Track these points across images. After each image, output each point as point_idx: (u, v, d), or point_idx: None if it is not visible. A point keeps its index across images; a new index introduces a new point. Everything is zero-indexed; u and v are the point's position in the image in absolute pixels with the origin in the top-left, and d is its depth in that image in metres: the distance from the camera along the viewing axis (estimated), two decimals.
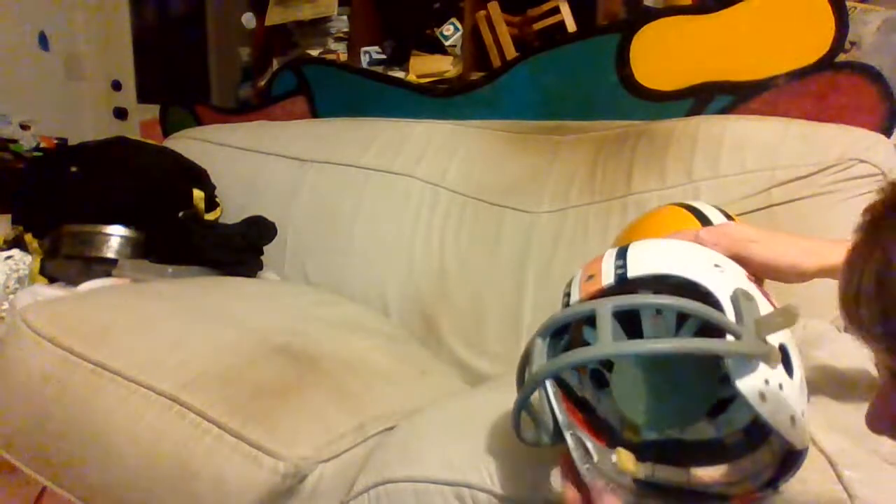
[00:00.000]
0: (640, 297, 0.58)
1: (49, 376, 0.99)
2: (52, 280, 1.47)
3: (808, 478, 0.53)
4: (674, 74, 1.31)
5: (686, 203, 0.75)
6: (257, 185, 1.73)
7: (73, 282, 1.41)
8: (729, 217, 0.72)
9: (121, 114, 3.21)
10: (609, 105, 1.38)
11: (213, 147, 1.86)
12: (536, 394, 0.59)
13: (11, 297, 1.40)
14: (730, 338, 0.49)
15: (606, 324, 0.49)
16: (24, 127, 2.74)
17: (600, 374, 0.63)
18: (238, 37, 2.54)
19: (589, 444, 0.58)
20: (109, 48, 3.16)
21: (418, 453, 0.77)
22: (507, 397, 0.76)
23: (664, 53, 1.32)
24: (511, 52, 1.66)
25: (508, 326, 1.24)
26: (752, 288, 0.53)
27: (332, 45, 2.07)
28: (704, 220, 0.70)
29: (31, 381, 1.01)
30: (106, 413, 0.92)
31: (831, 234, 0.37)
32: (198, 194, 1.62)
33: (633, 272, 0.54)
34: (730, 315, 0.50)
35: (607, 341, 0.49)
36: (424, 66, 1.86)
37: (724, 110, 1.25)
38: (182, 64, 3.21)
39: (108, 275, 1.42)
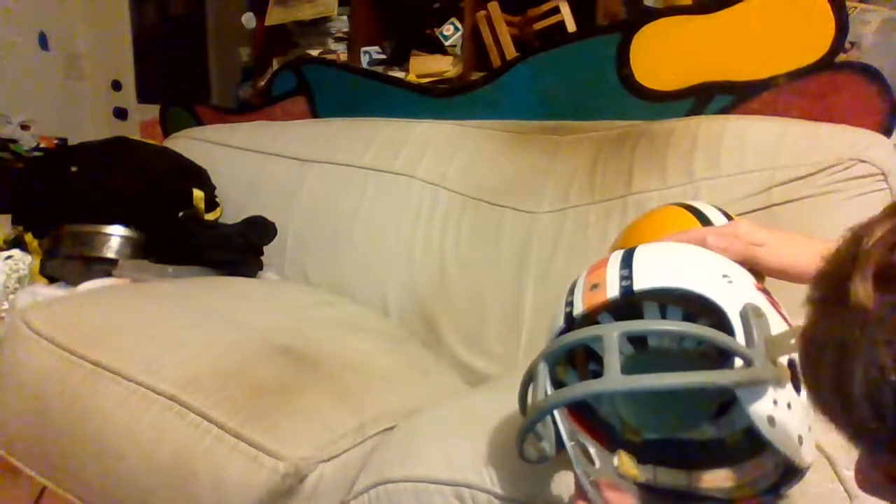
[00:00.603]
0: (650, 322, 0.57)
1: (49, 376, 0.99)
2: (52, 280, 1.47)
3: (808, 478, 0.53)
4: (674, 74, 1.31)
5: (686, 203, 0.75)
6: (257, 185, 1.73)
7: (73, 282, 1.41)
8: (729, 217, 0.72)
9: (121, 114, 3.21)
10: (609, 105, 1.38)
11: (213, 147, 1.86)
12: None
13: (11, 297, 1.40)
14: (738, 362, 0.48)
15: (614, 354, 0.48)
16: (24, 127, 2.74)
17: (601, 375, 0.62)
18: (238, 37, 2.54)
19: (591, 449, 0.58)
20: (109, 48, 3.16)
21: (418, 453, 0.77)
22: (507, 397, 0.76)
23: (664, 53, 1.32)
24: (511, 52, 1.66)
25: (508, 326, 1.24)
26: (760, 299, 0.52)
27: (332, 45, 2.07)
28: (704, 220, 0.70)
29: (31, 381, 1.01)
30: (106, 413, 0.92)
31: (831, 235, 0.36)
32: (198, 194, 1.62)
33: (639, 285, 0.52)
34: (739, 333, 0.49)
35: (616, 376, 0.47)
36: (424, 66, 1.86)
37: (724, 110, 1.25)
38: (182, 64, 3.21)
39: (108, 275, 1.42)
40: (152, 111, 2.47)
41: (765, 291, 0.55)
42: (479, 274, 1.32)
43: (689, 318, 0.56)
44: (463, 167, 1.45)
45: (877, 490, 0.35)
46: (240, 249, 1.55)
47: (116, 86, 3.19)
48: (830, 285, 0.32)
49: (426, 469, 0.73)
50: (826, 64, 1.15)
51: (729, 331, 0.49)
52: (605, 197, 1.23)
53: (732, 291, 0.52)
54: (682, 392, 0.59)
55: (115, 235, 1.49)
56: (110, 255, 1.47)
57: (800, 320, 0.36)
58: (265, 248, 1.60)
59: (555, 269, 1.23)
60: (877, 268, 0.30)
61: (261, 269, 1.60)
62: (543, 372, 0.54)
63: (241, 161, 1.79)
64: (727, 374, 0.48)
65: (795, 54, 1.18)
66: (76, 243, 1.48)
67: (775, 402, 0.47)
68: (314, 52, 2.07)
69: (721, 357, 0.59)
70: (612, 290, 0.53)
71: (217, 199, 1.73)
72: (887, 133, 1.09)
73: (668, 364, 0.49)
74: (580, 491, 0.55)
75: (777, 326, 0.50)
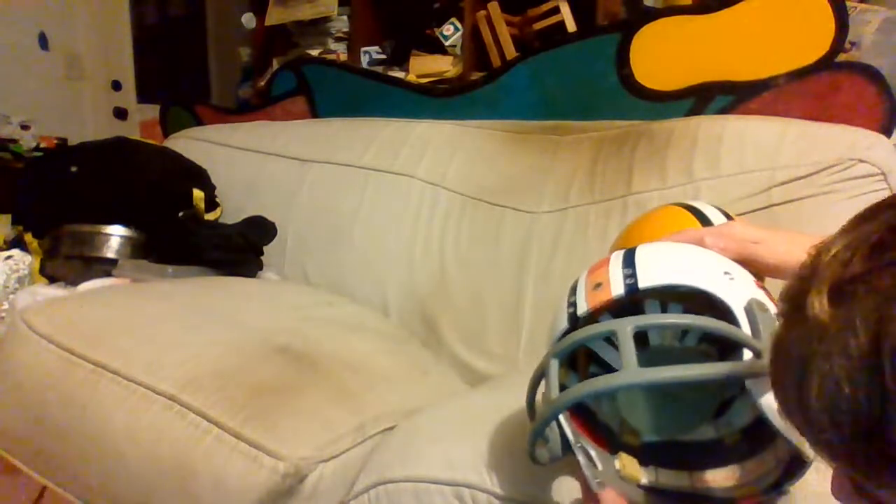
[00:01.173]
0: (664, 316, 0.57)
1: (49, 376, 0.99)
2: (52, 280, 1.47)
3: (808, 477, 0.53)
4: (674, 74, 1.31)
5: (686, 203, 0.75)
6: (257, 185, 1.73)
7: (73, 282, 1.41)
8: (729, 217, 0.72)
9: (121, 114, 3.21)
10: (609, 105, 1.38)
11: (213, 147, 1.86)
12: (536, 404, 0.59)
13: (11, 297, 1.40)
14: (748, 354, 0.48)
15: (630, 348, 0.48)
16: (24, 127, 2.74)
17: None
18: (238, 37, 2.54)
19: (592, 452, 0.58)
20: (109, 48, 3.16)
21: (418, 453, 0.77)
22: (507, 397, 0.77)
23: (664, 53, 1.32)
24: (511, 52, 1.66)
25: (508, 326, 1.24)
26: (762, 295, 0.53)
27: (332, 45, 2.07)
28: (704, 220, 0.70)
29: (31, 381, 1.01)
30: (106, 413, 0.92)
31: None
32: (198, 194, 1.62)
33: (643, 283, 0.52)
34: (744, 327, 0.49)
35: (635, 369, 0.47)
36: (424, 66, 1.86)
37: (724, 110, 1.25)
38: (182, 64, 3.21)
39: (108, 275, 1.42)
40: (152, 111, 2.47)
41: (764, 289, 0.55)
42: (479, 274, 1.32)
43: (691, 314, 0.57)
44: (463, 167, 1.45)
45: (849, 499, 0.36)
46: (240, 249, 1.55)
47: (116, 86, 3.19)
48: (791, 299, 0.33)
49: (426, 469, 0.73)
50: (826, 64, 1.15)
51: (735, 326, 0.50)
52: (605, 197, 1.23)
53: (735, 288, 0.52)
54: (685, 391, 0.59)
55: (115, 235, 1.49)
56: (110, 255, 1.47)
57: None
58: (265, 248, 1.60)
59: (555, 269, 1.23)
60: (831, 283, 0.31)
61: (261, 269, 1.60)
62: (555, 370, 0.54)
63: (241, 161, 1.79)
64: (741, 365, 0.49)
65: (795, 54, 1.18)
66: (76, 243, 1.48)
67: None
68: (314, 52, 2.07)
69: (721, 354, 0.59)
70: (617, 289, 0.53)
71: (217, 199, 1.73)
72: (887, 133, 1.09)
73: (670, 361, 0.50)
74: (588, 493, 0.55)
75: None
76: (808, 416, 0.31)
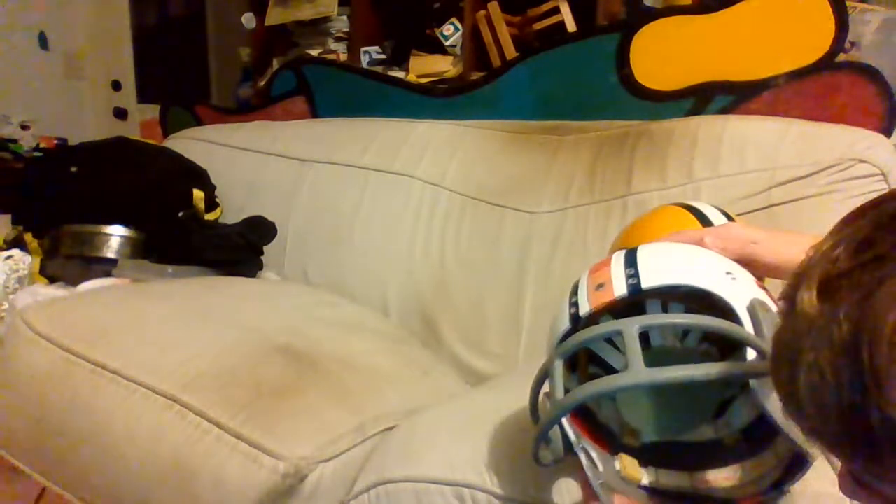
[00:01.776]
0: (669, 316, 0.57)
1: (49, 376, 0.99)
2: (52, 280, 1.47)
3: (808, 477, 0.53)
4: (674, 74, 1.31)
5: (686, 203, 0.75)
6: (257, 185, 1.73)
7: (73, 282, 1.41)
8: (729, 217, 0.72)
9: (121, 114, 3.21)
10: (609, 105, 1.38)
11: (214, 147, 1.86)
12: (539, 404, 0.58)
13: (11, 297, 1.40)
14: (751, 353, 0.48)
15: (636, 348, 0.48)
16: (24, 127, 2.74)
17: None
18: (238, 37, 2.54)
19: (593, 454, 0.58)
20: (109, 48, 3.16)
21: (418, 453, 0.77)
22: (507, 397, 0.77)
23: (664, 53, 1.32)
24: (511, 52, 1.66)
25: (508, 326, 1.24)
26: (763, 295, 0.53)
27: (332, 45, 2.07)
28: (704, 220, 0.70)
29: (31, 381, 1.01)
30: (106, 413, 0.92)
31: None
32: (198, 194, 1.62)
33: (646, 283, 0.52)
34: (748, 327, 0.49)
35: (641, 369, 0.47)
36: (424, 66, 1.86)
37: (724, 110, 1.25)
38: (182, 64, 3.21)
39: (108, 275, 1.41)
40: (152, 111, 2.47)
41: (764, 288, 0.55)
42: (479, 274, 1.32)
43: (694, 314, 0.57)
44: (463, 167, 1.45)
45: (854, 494, 0.36)
46: (240, 249, 1.55)
47: (116, 86, 3.19)
48: (786, 295, 0.35)
49: (426, 469, 0.73)
50: (826, 64, 1.15)
51: (738, 325, 0.50)
52: (605, 197, 1.23)
53: (737, 287, 0.52)
54: (685, 390, 0.59)
55: (115, 235, 1.49)
56: (110, 255, 1.47)
57: None
58: (265, 248, 1.60)
59: (555, 269, 1.23)
60: (819, 279, 0.32)
61: (261, 269, 1.60)
62: (560, 370, 0.53)
63: (241, 161, 1.79)
64: (745, 365, 0.49)
65: (795, 54, 1.18)
66: (76, 243, 1.48)
67: None
68: (314, 52, 2.07)
69: (722, 354, 0.59)
70: (620, 289, 0.53)
71: (217, 199, 1.73)
72: (887, 133, 1.09)
73: (672, 362, 0.50)
74: (589, 493, 0.55)
75: None
76: (800, 407, 0.33)
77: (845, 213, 0.35)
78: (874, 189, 1.02)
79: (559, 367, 0.53)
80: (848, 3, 1.16)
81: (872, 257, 0.31)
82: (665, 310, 0.59)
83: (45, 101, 2.95)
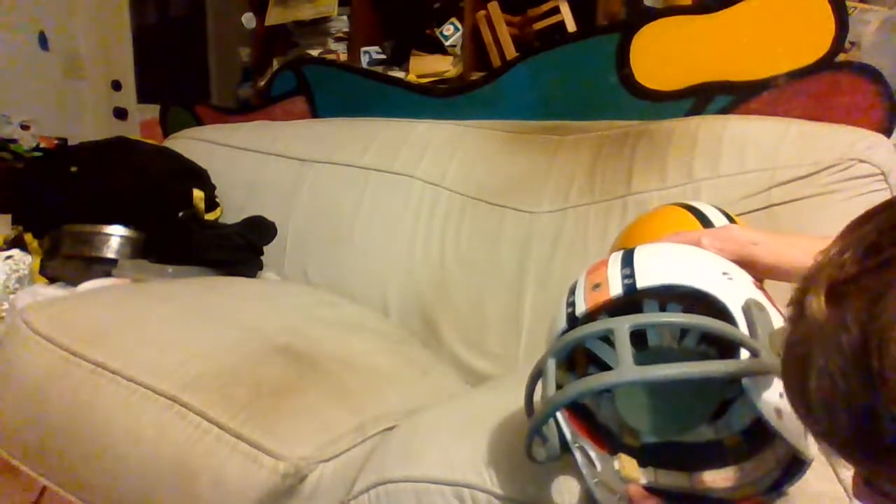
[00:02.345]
0: (660, 315, 0.57)
1: (49, 376, 0.99)
2: (52, 280, 1.47)
3: (807, 477, 0.53)
4: (674, 74, 1.31)
5: (686, 203, 0.75)
6: (257, 185, 1.73)
7: (73, 282, 1.41)
8: (729, 217, 0.72)
9: (121, 114, 3.21)
10: (609, 105, 1.38)
11: (213, 147, 1.86)
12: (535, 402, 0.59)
13: (11, 297, 1.40)
14: (745, 353, 0.48)
15: (626, 346, 0.48)
16: (24, 127, 2.74)
17: None
18: (238, 37, 2.54)
19: (591, 453, 0.58)
20: (109, 48, 3.16)
21: (418, 453, 0.77)
22: (507, 398, 0.77)
23: (664, 53, 1.32)
24: (511, 52, 1.66)
25: (508, 326, 1.24)
26: (760, 296, 0.53)
27: (332, 45, 2.07)
28: (705, 221, 0.70)
29: (31, 380, 1.01)
30: (106, 413, 0.92)
31: (831, 234, 0.37)
32: (198, 194, 1.62)
33: (641, 282, 0.53)
34: (742, 327, 0.49)
35: (630, 367, 0.47)
36: (424, 66, 1.86)
37: (724, 110, 1.25)
38: (182, 64, 3.21)
39: (108, 275, 1.41)
40: (152, 111, 2.47)
41: (763, 290, 0.55)
42: (479, 274, 1.32)
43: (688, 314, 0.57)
44: (463, 167, 1.45)
45: (866, 498, 0.37)
46: (240, 249, 1.55)
47: (116, 86, 3.19)
48: (795, 301, 0.35)
49: (426, 469, 0.73)
50: (826, 64, 1.15)
51: (732, 325, 0.50)
52: (605, 197, 1.23)
53: (733, 288, 0.52)
54: (684, 390, 0.59)
55: (115, 235, 1.48)
56: (110, 255, 1.47)
57: None
58: (265, 248, 1.60)
59: (555, 269, 1.23)
60: (828, 285, 0.32)
61: (261, 269, 1.60)
62: (552, 368, 0.54)
63: (241, 161, 1.79)
64: (737, 364, 0.49)
65: (795, 54, 1.18)
66: (76, 243, 1.48)
67: (781, 395, 0.48)
68: (314, 52, 2.07)
69: (721, 356, 0.59)
70: (615, 289, 0.53)
71: (217, 199, 1.73)
72: (887, 133, 1.09)
73: (668, 362, 0.50)
74: (591, 494, 0.56)
75: (777, 321, 0.51)
76: (811, 413, 0.33)
77: (846, 214, 0.35)
78: (874, 189, 1.02)
79: (552, 365, 0.54)
80: (848, 3, 1.16)
81: (879, 262, 0.31)
82: (663, 310, 0.59)
83: (45, 101, 2.94)
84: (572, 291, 0.57)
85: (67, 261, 1.47)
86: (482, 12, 1.70)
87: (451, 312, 1.32)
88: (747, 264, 0.58)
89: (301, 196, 1.64)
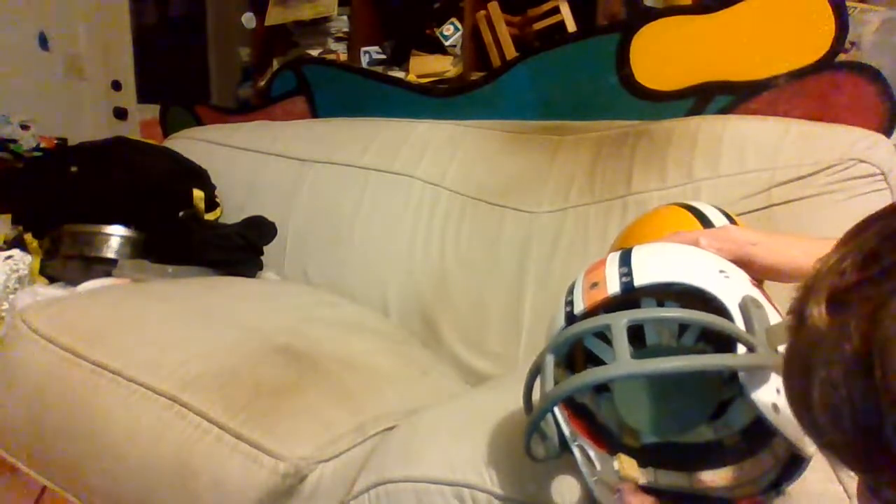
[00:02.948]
0: (657, 310, 0.57)
1: (49, 376, 0.99)
2: (52, 280, 1.47)
3: (807, 477, 0.53)
4: (674, 74, 1.31)
5: (686, 203, 0.75)
6: (257, 185, 1.73)
7: (73, 282, 1.41)
8: (729, 217, 0.72)
9: (121, 114, 3.21)
10: (609, 105, 1.38)
11: (213, 147, 1.86)
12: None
13: (11, 297, 1.40)
14: (742, 349, 0.49)
15: (623, 340, 0.48)
16: (24, 127, 2.74)
17: None
18: (238, 37, 2.54)
19: (591, 453, 0.58)
20: (109, 48, 3.16)
21: (418, 453, 0.77)
22: (507, 398, 0.77)
23: (664, 53, 1.32)
24: (511, 52, 1.66)
25: (508, 326, 1.24)
26: (757, 294, 0.53)
27: (332, 45, 2.07)
28: (705, 221, 0.70)
29: (31, 380, 1.01)
30: (106, 413, 0.92)
31: (831, 234, 0.37)
32: (198, 194, 1.62)
33: (639, 280, 0.53)
34: (739, 323, 0.50)
35: (627, 360, 0.47)
36: (424, 66, 1.86)
37: (724, 110, 1.25)
38: (182, 64, 3.21)
39: (108, 275, 1.41)
40: (152, 111, 2.47)
41: (758, 285, 0.56)
42: (479, 274, 1.32)
43: (681, 309, 0.57)
44: (463, 167, 1.45)
45: None
46: (240, 249, 1.55)
47: (116, 86, 3.19)
48: (795, 309, 0.35)
49: (426, 469, 0.73)
50: (826, 64, 1.15)
51: (729, 321, 0.50)
52: (605, 197, 1.23)
53: (730, 285, 0.52)
54: (683, 389, 0.59)
55: (115, 235, 1.49)
56: (110, 255, 1.47)
57: None
58: (265, 248, 1.60)
59: (555, 269, 1.23)
60: (828, 293, 0.32)
61: (261, 269, 1.60)
62: (550, 364, 0.54)
63: (241, 161, 1.79)
64: (733, 358, 0.49)
65: (795, 54, 1.18)
66: (76, 243, 1.48)
67: (778, 391, 0.48)
68: (314, 52, 2.07)
69: (720, 352, 0.59)
70: (613, 287, 0.53)
71: (217, 199, 1.73)
72: (887, 133, 1.09)
73: None
74: (590, 494, 0.56)
75: (774, 318, 0.51)
76: (814, 422, 0.33)
77: (846, 214, 0.35)
78: (874, 189, 1.02)
79: (550, 361, 0.54)
80: (848, 3, 1.16)
81: (880, 270, 0.31)
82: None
83: (45, 101, 2.94)
84: (571, 291, 0.57)
85: (67, 261, 1.47)
86: (482, 12, 1.70)
87: (451, 312, 1.32)
88: (745, 264, 0.58)
89: (301, 196, 1.64)
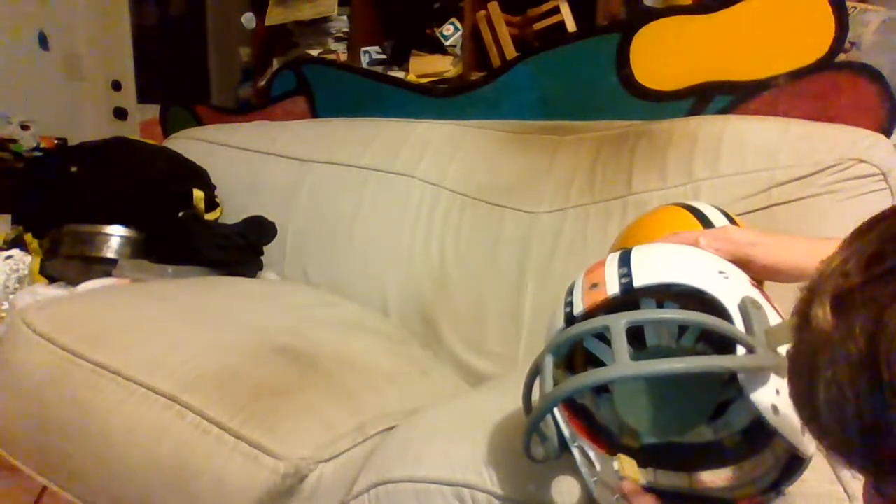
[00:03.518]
0: (656, 312, 0.57)
1: (49, 376, 0.99)
2: (52, 280, 1.47)
3: (807, 477, 0.53)
4: (674, 74, 1.31)
5: (686, 203, 0.75)
6: (257, 185, 1.73)
7: (73, 282, 1.41)
8: (729, 217, 0.72)
9: (121, 114, 3.21)
10: (609, 105, 1.38)
11: (213, 147, 1.86)
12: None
13: (11, 297, 1.40)
14: (741, 350, 0.49)
15: (622, 342, 0.48)
16: (24, 127, 2.74)
17: None
18: (238, 37, 2.54)
19: (591, 453, 0.58)
20: (109, 48, 3.16)
21: (418, 453, 0.77)
22: (507, 398, 0.77)
23: (664, 53, 1.32)
24: (511, 52, 1.66)
25: (508, 326, 1.24)
26: (756, 294, 0.53)
27: (332, 45, 2.07)
28: (704, 221, 0.70)
29: (31, 381, 1.01)
30: (106, 413, 0.92)
31: (831, 234, 0.37)
32: (198, 194, 1.62)
33: (638, 281, 0.53)
34: (738, 324, 0.50)
35: (625, 362, 0.47)
36: (424, 66, 1.86)
37: (724, 110, 1.25)
38: (182, 64, 3.21)
39: (108, 275, 1.42)
40: (152, 111, 2.47)
41: (758, 286, 0.56)
42: (479, 274, 1.32)
43: (680, 310, 0.57)
44: (463, 167, 1.45)
45: None
46: (240, 249, 1.55)
47: (116, 86, 3.19)
48: (800, 310, 0.35)
49: (426, 469, 0.73)
50: (826, 64, 1.15)
51: (729, 322, 0.50)
52: (605, 197, 1.23)
53: (729, 286, 0.52)
54: (682, 390, 0.59)
55: (115, 235, 1.49)
56: (110, 255, 1.47)
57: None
58: (265, 248, 1.60)
59: (555, 269, 1.23)
60: (833, 294, 0.33)
61: (261, 269, 1.60)
62: (550, 365, 0.54)
63: (241, 161, 1.79)
64: (733, 360, 0.49)
65: (795, 54, 1.18)
66: (76, 243, 1.48)
67: (777, 392, 0.48)
68: (314, 52, 2.07)
69: (719, 353, 0.59)
70: (612, 288, 0.53)
71: (217, 199, 1.73)
72: (887, 133, 1.09)
73: None
74: (590, 495, 0.56)
75: (774, 319, 0.51)
76: (820, 424, 0.33)
77: (846, 214, 0.35)
78: (874, 189, 1.02)
79: (549, 362, 0.54)
80: (848, 3, 1.16)
81: (883, 271, 0.31)
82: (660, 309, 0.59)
83: (45, 101, 2.94)
84: (570, 291, 0.57)
85: (67, 261, 1.47)
86: (482, 12, 1.69)
87: (451, 312, 1.32)
88: (745, 265, 0.58)
89: (301, 196, 1.64)
